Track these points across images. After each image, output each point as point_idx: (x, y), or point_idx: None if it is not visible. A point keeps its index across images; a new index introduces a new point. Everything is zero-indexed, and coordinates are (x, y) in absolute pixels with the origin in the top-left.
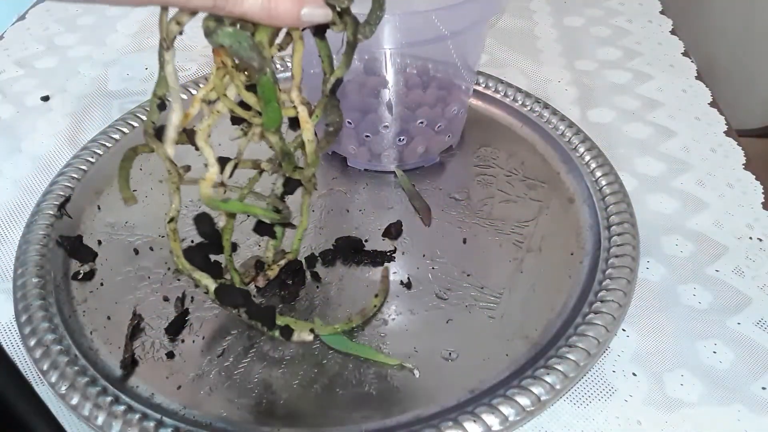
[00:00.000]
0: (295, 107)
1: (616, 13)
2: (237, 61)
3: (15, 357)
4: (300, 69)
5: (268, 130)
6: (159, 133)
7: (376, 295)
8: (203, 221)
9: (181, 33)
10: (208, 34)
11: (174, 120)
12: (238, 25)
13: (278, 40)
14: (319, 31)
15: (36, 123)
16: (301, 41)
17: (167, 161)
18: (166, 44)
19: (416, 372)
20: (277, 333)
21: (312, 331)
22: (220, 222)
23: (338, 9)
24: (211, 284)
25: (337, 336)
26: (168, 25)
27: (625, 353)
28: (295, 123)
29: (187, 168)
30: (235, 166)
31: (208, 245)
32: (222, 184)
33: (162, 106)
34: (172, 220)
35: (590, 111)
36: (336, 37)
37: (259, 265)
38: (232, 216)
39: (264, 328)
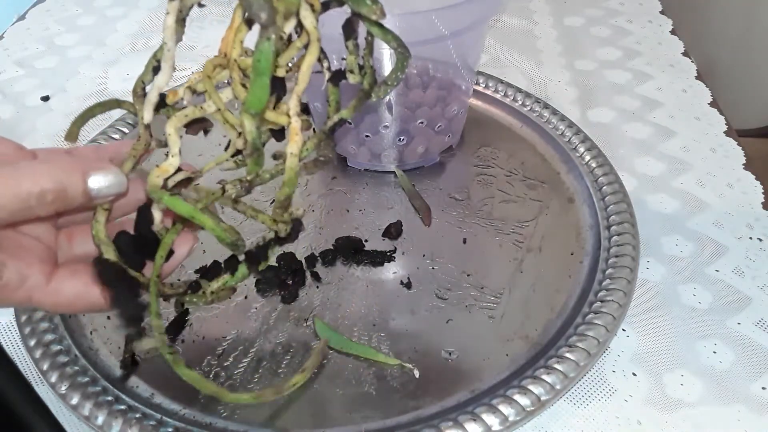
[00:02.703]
0: (289, 115)
1: (616, 13)
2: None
3: (15, 357)
4: (308, 75)
5: (247, 111)
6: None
7: (303, 371)
8: (145, 217)
9: (200, 5)
10: None
11: (159, 81)
12: None
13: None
14: (336, 78)
15: (36, 123)
16: (317, 43)
17: (142, 126)
18: (170, 54)
19: (416, 372)
20: (129, 333)
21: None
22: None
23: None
24: (110, 255)
25: (337, 335)
26: None
27: (625, 353)
28: (279, 134)
29: (161, 142)
30: (187, 181)
31: (144, 243)
32: (164, 188)
33: (157, 69)
34: None
35: (590, 111)
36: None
37: (195, 286)
38: (175, 227)
39: (122, 320)
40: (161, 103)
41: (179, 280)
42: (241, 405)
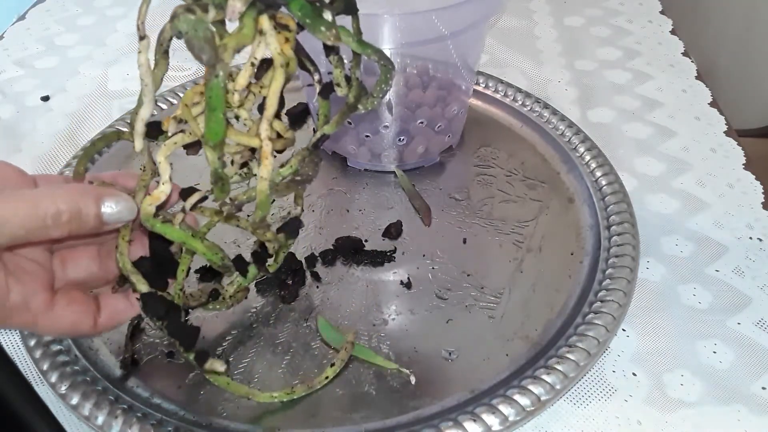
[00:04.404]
0: (260, 139)
1: (616, 13)
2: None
3: (15, 357)
4: (276, 100)
5: (207, 144)
6: (147, 129)
7: (332, 365)
8: (163, 239)
9: (178, 37)
10: (171, 18)
11: (143, 114)
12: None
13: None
14: (325, 91)
15: (36, 123)
16: (281, 69)
17: (146, 157)
18: (141, 32)
19: (412, 378)
20: (192, 356)
21: (228, 362)
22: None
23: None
24: (144, 287)
25: (337, 335)
26: (166, 26)
27: (625, 353)
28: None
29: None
30: (202, 200)
31: (163, 264)
32: (183, 210)
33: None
34: None
35: (590, 111)
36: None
37: (214, 293)
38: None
39: (181, 348)
40: (156, 131)
41: (199, 289)
42: (247, 405)
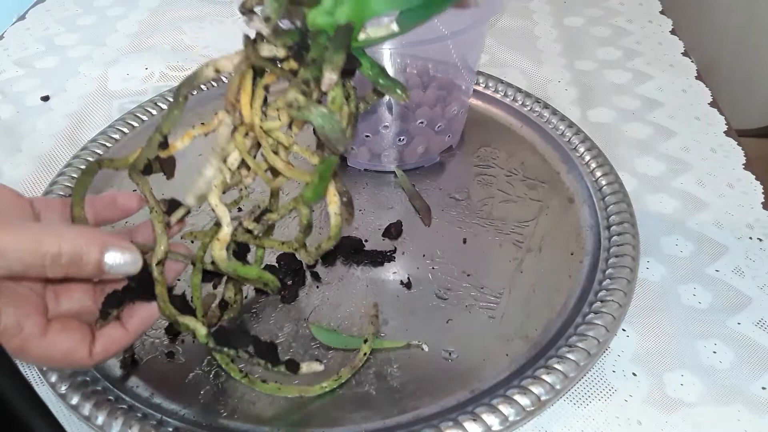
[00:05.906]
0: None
1: (616, 13)
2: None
3: None
4: None
5: (306, 203)
6: (146, 169)
7: (365, 341)
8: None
9: (301, 117)
10: (296, 108)
11: (208, 174)
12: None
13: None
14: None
15: (36, 123)
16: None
17: (152, 199)
18: (237, 120)
19: (425, 347)
20: (283, 368)
21: (319, 361)
22: (155, 272)
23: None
24: (202, 328)
25: (336, 335)
26: (197, 73)
27: (625, 353)
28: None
29: (166, 202)
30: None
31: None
32: (167, 225)
33: (164, 145)
34: (159, 262)
35: (590, 111)
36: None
37: (223, 304)
38: (197, 269)
39: (269, 365)
40: (149, 168)
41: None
42: (248, 405)
